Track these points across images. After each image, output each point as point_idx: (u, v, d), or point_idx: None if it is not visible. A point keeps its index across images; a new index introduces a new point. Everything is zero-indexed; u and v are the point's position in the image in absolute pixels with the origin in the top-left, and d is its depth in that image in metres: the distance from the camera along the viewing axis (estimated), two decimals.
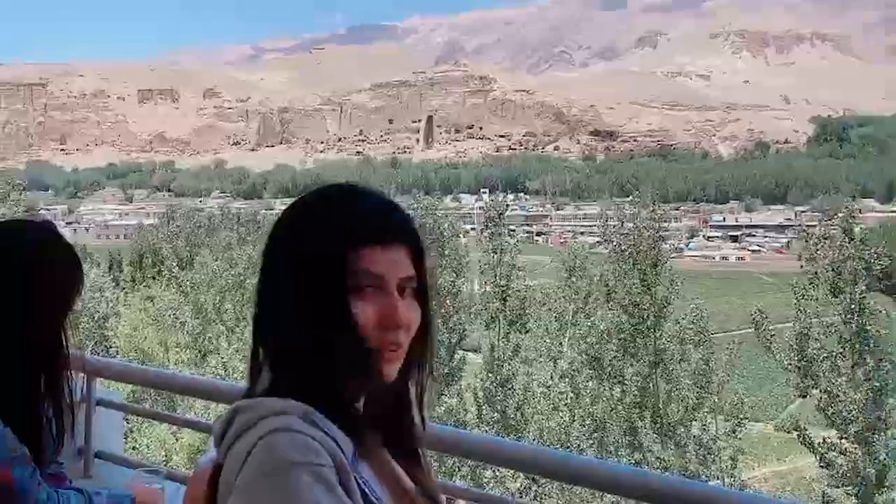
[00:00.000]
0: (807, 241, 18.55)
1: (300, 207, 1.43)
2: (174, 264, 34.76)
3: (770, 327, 17.49)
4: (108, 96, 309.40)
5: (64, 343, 2.42)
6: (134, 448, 18.23)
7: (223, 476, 1.25)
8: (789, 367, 16.30)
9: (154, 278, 39.43)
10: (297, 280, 1.35)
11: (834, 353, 15.63)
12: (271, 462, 1.17)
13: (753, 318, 17.51)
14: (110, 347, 24.68)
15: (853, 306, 15.65)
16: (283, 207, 1.47)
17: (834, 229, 17.41)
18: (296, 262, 1.36)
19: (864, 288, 15.85)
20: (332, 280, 1.33)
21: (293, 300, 1.34)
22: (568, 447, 16.61)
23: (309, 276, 1.34)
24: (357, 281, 1.34)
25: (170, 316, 28.40)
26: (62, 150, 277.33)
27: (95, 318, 25.34)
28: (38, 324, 2.36)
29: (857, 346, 15.50)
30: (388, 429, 1.45)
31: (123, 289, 36.54)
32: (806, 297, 16.85)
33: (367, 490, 1.27)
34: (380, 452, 1.38)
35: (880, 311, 16.13)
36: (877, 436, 14.89)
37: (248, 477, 1.18)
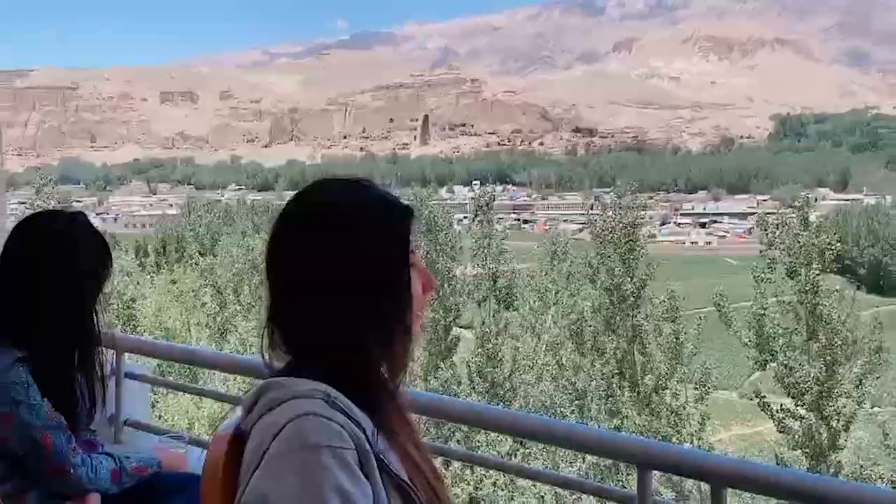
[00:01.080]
0: (765, 229, 18.56)
1: (357, 187, 1.40)
2: (195, 250, 34.86)
3: (733, 306, 17.55)
4: (133, 98, 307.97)
5: (95, 322, 2.42)
6: (159, 417, 18.22)
7: (249, 445, 1.25)
8: (748, 343, 16.37)
9: (177, 263, 39.39)
10: (364, 263, 1.32)
11: (790, 330, 15.67)
12: (300, 442, 1.17)
13: (715, 301, 17.58)
14: (138, 326, 24.61)
15: (807, 287, 15.70)
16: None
17: (791, 217, 17.43)
18: (373, 236, 1.33)
19: (817, 270, 15.87)
20: (403, 259, 1.34)
21: (354, 284, 1.32)
22: (552, 414, 16.70)
23: (379, 258, 1.33)
24: (413, 258, 1.36)
25: (191, 297, 28.41)
26: (92, 147, 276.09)
27: (124, 300, 25.26)
28: (71, 305, 2.37)
29: (811, 323, 15.55)
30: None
31: (149, 273, 36.43)
32: (764, 279, 16.89)
33: (386, 462, 1.26)
34: (391, 424, 1.36)
35: (833, 291, 16.17)
36: (828, 404, 14.97)
37: (278, 453, 1.18)
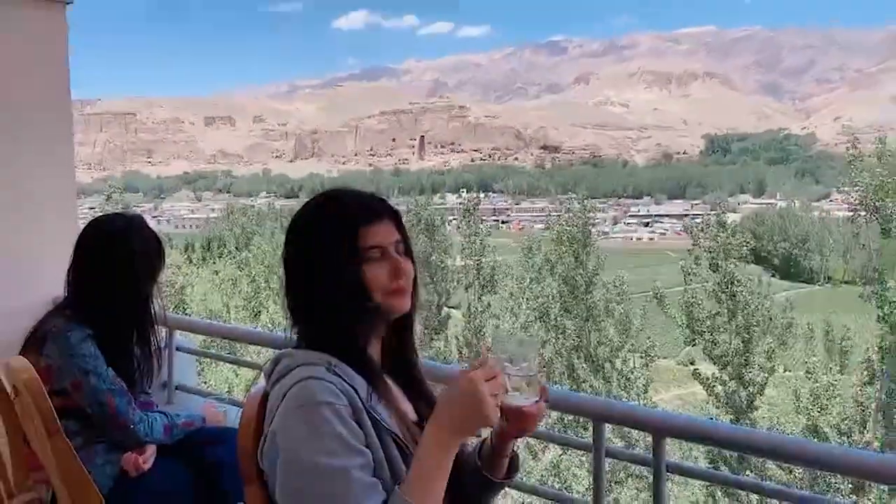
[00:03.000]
0: (690, 232, 18.72)
1: (313, 206, 1.42)
2: (233, 247, 34.60)
3: (673, 289, 17.58)
4: (182, 122, 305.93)
5: (152, 305, 2.43)
6: (205, 383, 18.14)
7: (269, 403, 1.28)
8: (680, 324, 16.41)
9: (218, 257, 39.16)
10: (320, 258, 1.34)
11: (714, 312, 15.74)
12: (304, 399, 1.20)
13: (653, 291, 17.66)
14: (186, 308, 24.48)
15: (726, 278, 15.80)
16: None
17: (711, 220, 17.51)
18: (317, 245, 1.35)
19: (734, 264, 15.95)
20: (349, 257, 1.34)
21: (316, 275, 1.34)
22: None
23: (330, 254, 1.34)
24: (367, 253, 1.34)
25: (230, 285, 28.28)
26: (149, 162, 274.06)
27: (175, 288, 25.09)
28: (132, 291, 2.37)
29: (731, 306, 15.64)
30: (397, 368, 1.45)
31: (196, 265, 36.17)
32: (692, 272, 16.97)
33: (379, 419, 1.27)
34: (389, 389, 1.37)
35: (750, 279, 16.27)
36: (746, 371, 15.10)
37: (287, 409, 1.21)
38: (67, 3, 3.35)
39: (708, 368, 15.83)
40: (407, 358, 1.48)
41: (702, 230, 17.33)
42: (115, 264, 2.32)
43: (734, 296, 15.59)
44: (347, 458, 1.17)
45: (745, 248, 16.55)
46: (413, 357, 1.49)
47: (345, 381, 1.25)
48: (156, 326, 2.48)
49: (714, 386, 15.23)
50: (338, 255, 1.33)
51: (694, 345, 16.23)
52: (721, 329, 15.48)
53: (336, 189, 1.45)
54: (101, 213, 2.59)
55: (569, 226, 19.68)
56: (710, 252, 16.30)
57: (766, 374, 15.16)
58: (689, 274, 16.95)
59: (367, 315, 1.35)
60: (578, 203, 20.49)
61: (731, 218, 17.44)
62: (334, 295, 1.33)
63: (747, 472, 12.71)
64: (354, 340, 1.34)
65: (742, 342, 15.27)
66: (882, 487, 11.30)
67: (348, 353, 1.31)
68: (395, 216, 1.42)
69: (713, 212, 18.46)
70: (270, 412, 1.25)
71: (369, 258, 1.34)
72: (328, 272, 1.33)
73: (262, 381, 1.39)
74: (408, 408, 1.42)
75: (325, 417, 1.18)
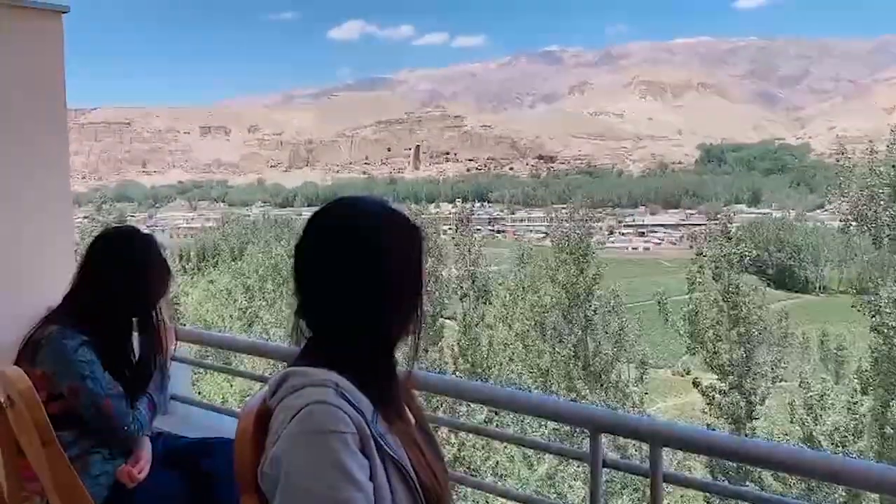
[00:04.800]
0: (693, 241, 18.71)
1: (394, 214, 1.38)
2: (228, 256, 34.61)
3: (671, 299, 17.61)
4: (178, 132, 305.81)
5: (155, 316, 2.46)
6: (199, 392, 18.09)
7: (275, 420, 1.25)
8: (682, 333, 16.40)
9: (213, 267, 39.14)
10: (392, 279, 1.32)
11: (716, 322, 15.72)
12: (311, 426, 1.18)
13: (657, 299, 17.67)
14: (181, 318, 24.46)
15: (730, 287, 15.77)
16: (311, 212, 1.41)
17: (714, 226, 17.54)
18: (398, 259, 1.33)
19: (737, 274, 15.94)
20: (418, 283, 1.35)
21: (380, 295, 1.31)
22: (520, 389, 16.70)
23: (404, 278, 1.33)
24: (426, 286, 1.36)
25: (225, 294, 28.25)
26: (144, 171, 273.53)
27: (170, 297, 25.06)
28: (141, 304, 2.42)
29: (733, 316, 15.61)
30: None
31: (191, 275, 36.18)
32: (696, 281, 16.93)
33: (382, 444, 1.26)
34: (391, 411, 1.36)
35: (752, 290, 16.27)
36: (747, 382, 15.07)
37: (292, 434, 1.19)
38: (63, 13, 3.36)
39: (706, 378, 15.82)
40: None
41: (706, 239, 17.38)
42: (129, 276, 2.34)
43: (736, 305, 15.60)
44: (348, 492, 1.15)
45: (747, 257, 16.61)
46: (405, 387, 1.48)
47: (352, 404, 1.24)
48: (162, 338, 2.50)
49: (713, 395, 15.23)
50: (411, 281, 1.34)
51: (694, 354, 16.22)
52: (723, 339, 15.48)
53: (397, 209, 1.40)
54: (92, 223, 2.60)
55: (570, 235, 19.75)
56: (714, 261, 16.33)
57: (769, 384, 15.18)
58: (693, 283, 16.95)
59: (401, 340, 1.35)
60: (580, 213, 20.56)
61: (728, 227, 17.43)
62: (388, 311, 1.32)
63: (747, 483, 12.70)
64: (373, 362, 1.33)
65: (744, 353, 15.28)
66: (874, 496, 11.30)
67: (361, 375, 1.29)
68: None
69: (715, 221, 18.54)
70: (275, 431, 1.23)
71: (426, 290, 1.37)
72: (395, 295, 1.32)
73: (259, 393, 1.38)
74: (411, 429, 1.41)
75: (330, 448, 1.17)
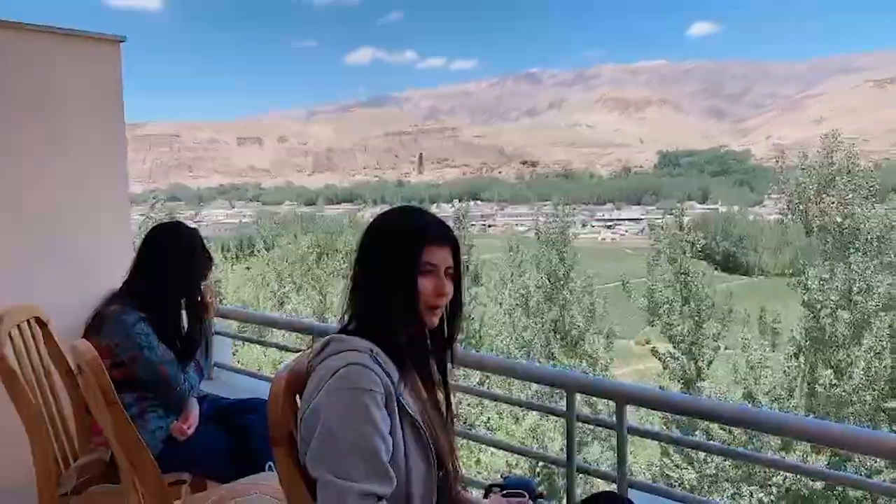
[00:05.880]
0: (654, 231, 18.72)
1: (396, 215, 1.42)
2: (262, 247, 34.48)
3: (632, 281, 17.55)
4: (219, 142, 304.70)
5: (200, 296, 2.45)
6: (238, 361, 18.12)
7: (313, 378, 1.26)
8: (641, 308, 16.39)
9: (249, 256, 39.08)
10: (388, 257, 1.35)
11: (670, 299, 15.76)
12: (348, 383, 1.19)
13: (622, 280, 17.66)
14: (223, 299, 24.41)
15: (682, 271, 15.81)
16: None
17: (669, 219, 17.53)
18: (384, 252, 1.36)
19: (688, 259, 15.97)
20: (410, 266, 1.34)
21: (382, 269, 1.34)
22: (508, 357, 16.74)
23: (394, 261, 1.34)
24: (424, 266, 1.35)
25: (260, 279, 28.20)
26: (190, 176, 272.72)
27: (213, 282, 24.97)
28: (182, 284, 2.39)
29: (684, 294, 15.66)
30: (428, 360, 1.43)
31: (230, 262, 36.07)
32: (653, 265, 16.97)
33: (404, 404, 1.28)
34: (416, 379, 1.38)
35: (700, 273, 16.30)
36: (695, 349, 15.13)
37: (333, 387, 1.19)
38: (121, 42, 3.35)
39: (663, 346, 15.83)
40: (442, 365, 1.47)
41: (663, 230, 17.38)
42: (176, 263, 2.35)
43: (687, 285, 15.63)
44: (375, 442, 1.17)
45: (696, 245, 16.61)
46: (445, 366, 1.47)
47: (383, 368, 1.25)
48: (208, 313, 2.50)
49: (668, 361, 15.26)
50: (404, 258, 1.34)
51: (652, 325, 16.21)
52: (676, 313, 15.51)
53: (417, 207, 1.45)
54: (148, 220, 2.60)
55: (550, 228, 19.79)
56: (670, 248, 16.34)
57: (713, 352, 15.21)
58: (651, 266, 16.96)
59: (409, 314, 1.34)
60: (559, 209, 20.51)
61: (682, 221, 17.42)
62: (390, 288, 1.33)
63: (695, 433, 12.75)
64: (396, 335, 1.33)
65: (693, 324, 15.31)
66: (804, 444, 11.36)
67: (388, 344, 1.30)
68: (455, 245, 1.42)
69: (672, 214, 18.51)
70: (315, 386, 1.23)
71: (423, 270, 1.35)
72: (392, 269, 1.33)
73: (287, 361, 1.38)
74: (429, 397, 1.41)
75: (363, 403, 1.18)
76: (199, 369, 2.41)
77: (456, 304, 1.44)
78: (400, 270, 1.33)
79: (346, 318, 1.38)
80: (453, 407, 1.48)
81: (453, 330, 1.46)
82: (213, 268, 2.50)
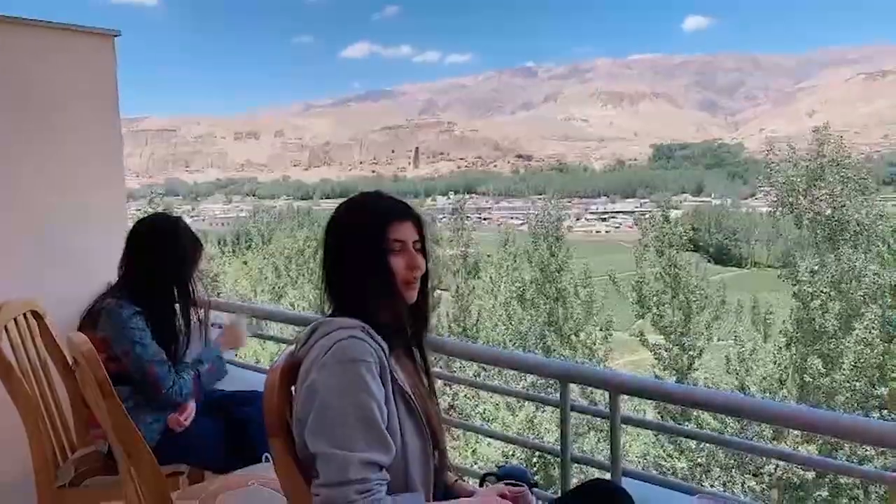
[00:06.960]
0: (640, 224, 18.73)
1: (352, 203, 1.43)
2: (258, 241, 34.45)
3: (624, 274, 17.56)
4: (215, 137, 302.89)
5: (192, 289, 2.41)
6: (236, 353, 18.05)
7: (305, 362, 1.26)
8: (632, 301, 16.41)
9: (246, 250, 39.00)
10: (355, 246, 1.36)
11: (660, 291, 15.80)
12: (342, 356, 1.19)
13: (616, 272, 17.68)
14: (220, 293, 24.35)
15: (670, 263, 15.86)
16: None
17: (658, 215, 17.54)
18: (353, 235, 1.37)
19: (676, 251, 16.01)
20: (378, 248, 1.35)
21: (352, 259, 1.35)
22: (504, 348, 16.76)
23: (362, 250, 1.35)
24: (392, 245, 1.36)
25: (257, 272, 28.18)
26: (187, 170, 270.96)
27: (210, 276, 24.92)
28: (176, 276, 2.35)
29: (674, 286, 15.72)
30: (409, 336, 1.44)
31: (227, 257, 35.94)
32: (642, 258, 17.00)
33: (395, 376, 1.28)
34: (401, 352, 1.40)
35: (689, 265, 16.34)
36: (687, 340, 15.19)
37: (329, 362, 1.20)
38: (115, 36, 3.32)
39: (655, 338, 15.88)
40: (418, 340, 1.48)
41: (650, 223, 17.38)
42: (164, 253, 2.31)
43: (676, 277, 15.68)
44: (371, 410, 1.18)
45: (685, 237, 16.63)
46: (422, 341, 1.49)
47: (375, 341, 1.26)
48: (196, 306, 2.46)
49: (660, 352, 15.31)
50: (370, 242, 1.34)
51: (643, 318, 16.26)
52: (666, 305, 15.55)
53: (373, 192, 1.46)
54: (146, 214, 2.58)
55: (544, 221, 19.79)
56: (658, 241, 16.36)
57: (704, 342, 15.27)
58: (640, 259, 16.99)
59: (388, 295, 1.35)
60: (552, 202, 20.51)
61: (674, 214, 17.48)
62: (364, 275, 1.34)
63: (687, 423, 12.81)
64: (376, 314, 1.33)
65: (683, 316, 15.37)
66: (796, 432, 11.44)
67: (373, 326, 1.31)
68: (417, 219, 1.43)
69: (659, 208, 18.52)
70: (306, 369, 1.24)
71: (393, 249, 1.35)
72: (361, 256, 1.34)
73: (283, 354, 1.38)
74: (413, 372, 1.43)
75: (358, 373, 1.18)
76: (196, 381, 2.36)
77: (427, 277, 1.44)
78: (370, 256, 1.34)
79: (330, 304, 1.39)
80: (434, 385, 1.49)
81: (427, 302, 1.47)
82: (201, 254, 2.45)
